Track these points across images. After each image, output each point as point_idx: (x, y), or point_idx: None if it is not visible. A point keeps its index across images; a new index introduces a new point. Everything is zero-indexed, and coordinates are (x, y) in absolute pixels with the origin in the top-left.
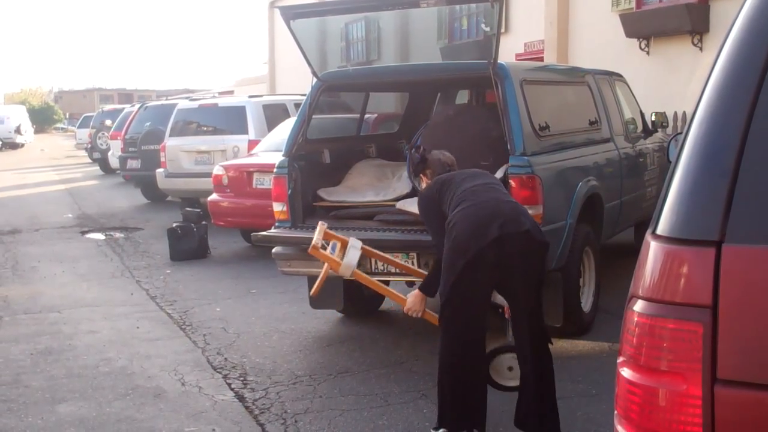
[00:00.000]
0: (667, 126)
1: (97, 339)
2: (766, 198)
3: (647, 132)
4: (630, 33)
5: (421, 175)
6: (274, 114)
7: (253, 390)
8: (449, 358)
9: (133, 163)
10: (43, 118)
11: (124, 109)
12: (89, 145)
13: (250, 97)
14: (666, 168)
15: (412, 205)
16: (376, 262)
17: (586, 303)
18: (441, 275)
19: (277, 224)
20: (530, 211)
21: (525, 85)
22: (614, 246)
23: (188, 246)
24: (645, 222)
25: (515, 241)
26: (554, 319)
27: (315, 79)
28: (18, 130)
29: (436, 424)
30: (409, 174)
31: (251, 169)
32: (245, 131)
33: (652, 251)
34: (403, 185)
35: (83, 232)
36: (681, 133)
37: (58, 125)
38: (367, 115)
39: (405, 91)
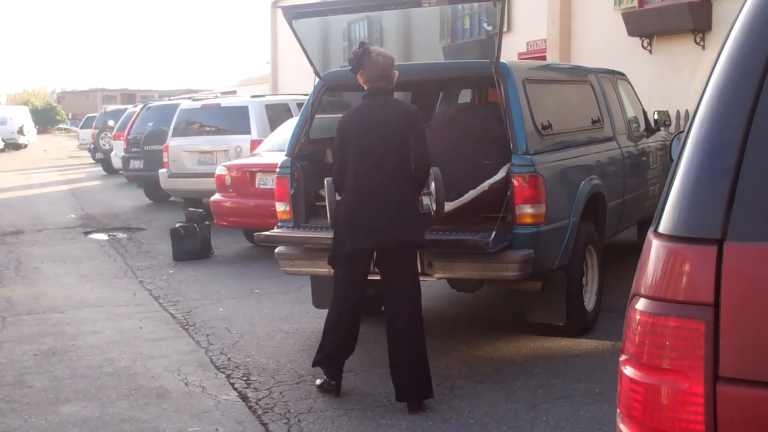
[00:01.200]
0: (670, 124)
1: (101, 339)
2: (767, 196)
3: (650, 130)
4: (632, 32)
5: (358, 75)
6: (276, 114)
7: (257, 390)
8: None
9: (136, 164)
10: (46, 119)
11: (126, 109)
12: (92, 146)
13: (253, 97)
14: (668, 166)
15: None
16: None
17: (589, 302)
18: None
19: (279, 224)
20: (532, 210)
21: (527, 84)
22: (617, 244)
23: (191, 246)
24: (648, 220)
25: (386, 250)
26: (557, 318)
27: (317, 79)
28: (21, 131)
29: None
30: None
31: (254, 169)
32: (248, 131)
33: (654, 249)
34: None
35: (86, 233)
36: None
37: (61, 126)
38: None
39: (407, 90)
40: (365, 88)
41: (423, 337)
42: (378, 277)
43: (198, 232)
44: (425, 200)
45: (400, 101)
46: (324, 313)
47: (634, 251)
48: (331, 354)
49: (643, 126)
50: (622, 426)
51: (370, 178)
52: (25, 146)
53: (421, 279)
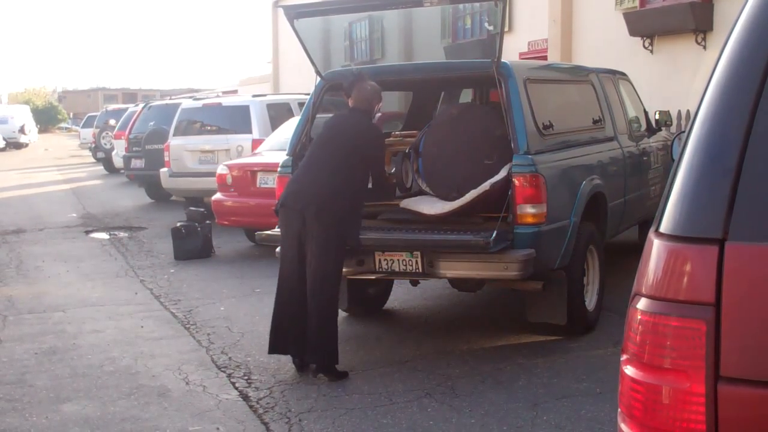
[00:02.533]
0: (671, 124)
1: (102, 338)
2: None
3: (651, 130)
4: (634, 31)
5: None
6: (277, 113)
7: (258, 389)
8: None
9: (137, 163)
10: (47, 118)
11: (128, 108)
12: (93, 145)
13: (254, 96)
14: (669, 166)
15: (416, 204)
16: (380, 261)
17: (590, 301)
18: None
19: None
20: (534, 210)
21: (529, 83)
22: (618, 244)
23: (192, 245)
24: (649, 220)
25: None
26: (558, 318)
27: (319, 78)
28: (22, 130)
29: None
30: (411, 172)
31: (255, 169)
32: (249, 130)
33: (656, 249)
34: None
35: (87, 232)
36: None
37: (62, 125)
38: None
39: (408, 90)
40: (349, 105)
41: (323, 308)
42: (373, 276)
43: (199, 231)
44: None
45: (371, 124)
46: None
47: (635, 251)
48: (279, 327)
49: (644, 126)
50: (623, 425)
51: (314, 161)
52: (27, 145)
53: (422, 279)
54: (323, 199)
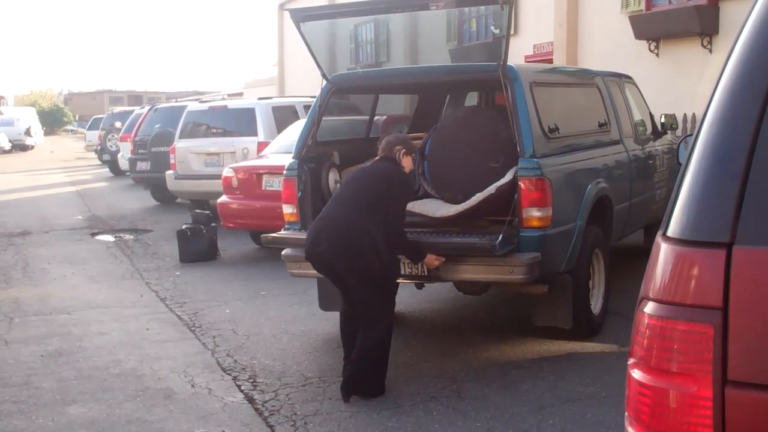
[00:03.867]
0: (677, 128)
1: (107, 340)
2: None
3: (657, 134)
4: (639, 35)
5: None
6: (283, 116)
7: (263, 392)
8: (389, 333)
9: (143, 165)
10: (52, 120)
11: (133, 111)
12: (99, 147)
13: (260, 99)
14: (675, 170)
15: (422, 207)
16: None
17: (596, 305)
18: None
19: (287, 226)
20: (539, 213)
21: (534, 87)
22: (624, 248)
23: (198, 248)
24: (655, 224)
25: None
26: (564, 321)
27: (324, 81)
28: (28, 132)
29: (379, 392)
30: (416, 174)
31: (261, 171)
32: (255, 133)
33: (663, 253)
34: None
35: (93, 234)
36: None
37: (68, 127)
38: (376, 117)
39: (414, 93)
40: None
41: (371, 347)
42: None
43: (204, 233)
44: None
45: (397, 169)
46: (331, 314)
47: (641, 254)
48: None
49: (650, 129)
50: (630, 429)
51: (339, 204)
52: (32, 147)
53: (428, 282)
54: (352, 250)
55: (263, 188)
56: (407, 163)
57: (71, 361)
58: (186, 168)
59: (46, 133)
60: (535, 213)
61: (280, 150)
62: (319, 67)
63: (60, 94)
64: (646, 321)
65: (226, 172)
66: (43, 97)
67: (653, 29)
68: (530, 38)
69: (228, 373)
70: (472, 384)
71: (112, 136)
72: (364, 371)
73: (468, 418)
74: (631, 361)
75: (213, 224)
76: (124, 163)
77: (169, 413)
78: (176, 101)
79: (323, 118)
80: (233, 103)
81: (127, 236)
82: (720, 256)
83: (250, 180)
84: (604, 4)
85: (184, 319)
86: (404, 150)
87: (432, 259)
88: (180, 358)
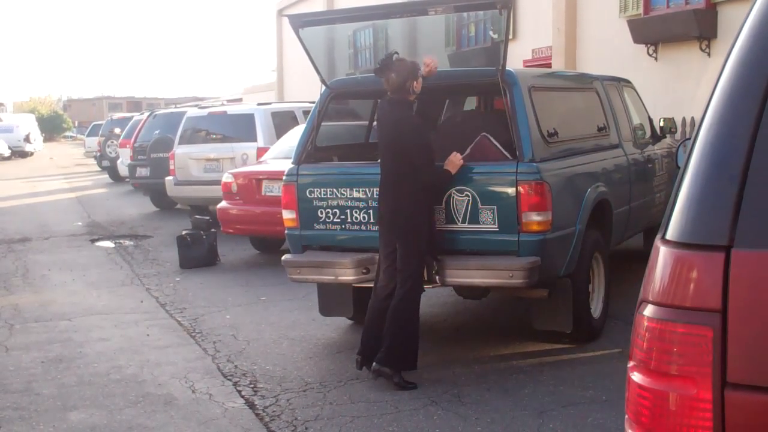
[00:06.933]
0: (676, 131)
1: (108, 346)
2: None
3: (656, 138)
4: (638, 39)
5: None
6: (282, 121)
7: (264, 397)
8: (417, 305)
9: (143, 171)
10: (52, 127)
11: (133, 117)
12: (98, 154)
13: (259, 104)
14: (674, 173)
15: None
16: None
17: (596, 309)
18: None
19: (287, 231)
20: (539, 218)
21: (533, 91)
22: (623, 252)
23: (197, 253)
24: (654, 227)
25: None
26: (564, 325)
27: (324, 87)
28: (27, 139)
29: (403, 369)
30: None
31: (260, 177)
32: (254, 139)
33: (662, 256)
34: None
35: (93, 240)
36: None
37: (67, 133)
38: (375, 122)
39: None
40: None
41: (404, 318)
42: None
43: (204, 239)
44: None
45: (404, 116)
46: (332, 320)
47: (641, 258)
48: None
49: (648, 133)
50: None
51: (383, 173)
52: (32, 154)
53: (427, 286)
54: (391, 215)
55: (263, 194)
56: (418, 85)
57: (72, 367)
58: (185, 174)
59: (46, 140)
60: (535, 217)
61: (280, 155)
62: (318, 72)
63: (59, 100)
64: (646, 324)
65: (226, 177)
66: (42, 104)
67: (652, 33)
68: (529, 43)
69: (228, 379)
70: (472, 388)
71: (112, 142)
72: (398, 330)
73: (469, 422)
74: (630, 363)
75: (213, 230)
76: (123, 170)
77: (170, 419)
78: (175, 107)
79: (322, 124)
80: (232, 109)
81: (127, 242)
82: (719, 259)
83: (250, 185)
84: (602, 8)
85: (185, 324)
86: (414, 81)
87: (456, 159)
88: (180, 363)
